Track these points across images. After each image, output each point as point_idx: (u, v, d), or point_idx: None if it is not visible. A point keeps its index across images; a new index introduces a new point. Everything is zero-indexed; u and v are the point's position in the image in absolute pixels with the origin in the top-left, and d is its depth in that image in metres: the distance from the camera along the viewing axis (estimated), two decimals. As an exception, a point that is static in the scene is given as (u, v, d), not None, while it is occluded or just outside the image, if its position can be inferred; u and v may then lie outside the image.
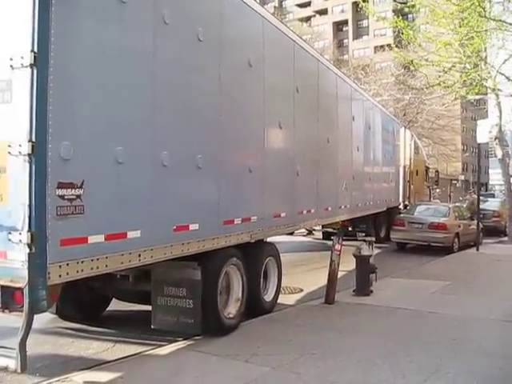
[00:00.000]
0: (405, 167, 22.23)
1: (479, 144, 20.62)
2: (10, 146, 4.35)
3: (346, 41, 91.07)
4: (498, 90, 20.46)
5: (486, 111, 27.42)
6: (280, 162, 9.10)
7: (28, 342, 5.45)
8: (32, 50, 4.27)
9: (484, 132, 19.48)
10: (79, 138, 4.70)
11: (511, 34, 18.09)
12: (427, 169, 26.93)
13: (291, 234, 11.87)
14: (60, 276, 4.54)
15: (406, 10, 23.60)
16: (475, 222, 19.08)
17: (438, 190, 33.82)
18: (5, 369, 4.50)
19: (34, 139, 4.27)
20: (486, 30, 18.26)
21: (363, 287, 9.90)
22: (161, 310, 6.88)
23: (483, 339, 7.27)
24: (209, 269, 6.84)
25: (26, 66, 4.29)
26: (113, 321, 8.19)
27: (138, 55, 5.52)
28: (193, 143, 6.47)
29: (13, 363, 4.41)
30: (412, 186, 22.90)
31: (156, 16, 5.74)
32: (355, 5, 75.68)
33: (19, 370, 4.39)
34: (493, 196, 39.36)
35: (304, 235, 20.14)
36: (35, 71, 4.29)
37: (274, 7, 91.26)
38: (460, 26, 18.67)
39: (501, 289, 11.12)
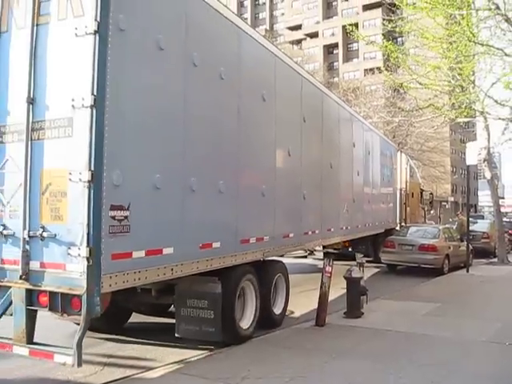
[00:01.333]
0: (401, 190, 22.89)
1: (468, 166, 20.81)
2: (70, 173, 5.13)
3: (336, 63, 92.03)
4: (487, 113, 20.69)
5: (475, 134, 27.61)
6: (289, 187, 9.92)
7: (15, 365, 6.37)
8: (92, 93, 5.06)
9: (473, 154, 19.79)
10: (127, 166, 5.48)
11: (499, 58, 18.22)
12: (422, 191, 27.60)
13: (281, 256, 11.83)
14: (110, 285, 5.29)
15: (396, 33, 23.84)
16: (465, 243, 19.19)
17: (432, 212, 34.39)
18: (63, 364, 5.23)
19: (92, 168, 5.05)
20: (474, 55, 18.44)
21: (354, 309, 9.83)
22: (184, 320, 7.58)
23: (474, 361, 7.33)
24: (228, 283, 7.59)
25: (87, 107, 5.08)
26: (133, 332, 8.82)
27: (172, 94, 6.35)
28: (216, 170, 7.28)
29: (70, 360, 5.14)
30: (408, 208, 23.54)
31: (187, 59, 6.58)
32: (345, 28, 76.46)
33: (76, 366, 5.13)
34: (482, 217, 39.07)
35: (305, 256, 20.70)
36: (94, 111, 5.08)
37: (265, 30, 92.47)
38: (449, 50, 18.84)
39: (491, 310, 11.20)
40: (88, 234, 5.04)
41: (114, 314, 8.48)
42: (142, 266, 5.73)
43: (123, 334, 8.62)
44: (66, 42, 5.34)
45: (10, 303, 5.55)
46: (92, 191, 5.06)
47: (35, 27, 5.51)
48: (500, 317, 10.34)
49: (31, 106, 5.46)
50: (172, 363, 7.03)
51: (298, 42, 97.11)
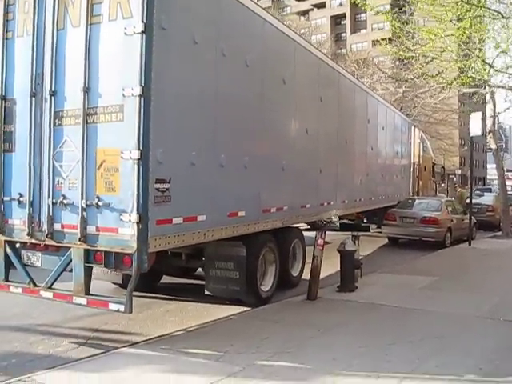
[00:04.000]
0: (414, 164, 23.55)
1: (472, 137, 20.43)
2: (122, 152, 6.07)
3: (343, 34, 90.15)
4: (489, 81, 20.00)
5: (484, 105, 25.95)
6: (306, 162, 10.83)
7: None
8: (140, 84, 5.97)
9: (477, 125, 19.27)
10: (168, 146, 6.41)
11: (502, 25, 17.27)
12: (434, 165, 28.17)
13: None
14: (155, 246, 6.27)
15: (403, 1, 22.39)
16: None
17: (442, 185, 34.77)
18: (117, 311, 6.26)
19: (141, 148, 5.98)
20: (470, 17, 17.26)
21: (347, 283, 9.72)
22: (212, 280, 8.61)
23: (466, 337, 7.17)
24: (252, 247, 8.58)
25: (136, 96, 5.98)
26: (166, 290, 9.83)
27: (205, 82, 7.29)
28: (242, 147, 8.24)
29: (123, 308, 6.17)
30: (420, 182, 24.30)
31: (217, 50, 7.47)
32: (353, -1, 74.08)
33: (128, 313, 6.18)
34: (490, 190, 38.41)
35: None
36: (142, 99, 6.00)
37: (272, 1, 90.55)
38: (447, 12, 17.81)
39: (489, 284, 11.01)
40: (137, 203, 5.98)
41: (148, 276, 9.52)
42: (180, 230, 6.70)
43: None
44: (116, 40, 6.21)
45: (70, 261, 6.56)
46: (141, 167, 5.98)
47: (88, 26, 6.39)
48: (498, 291, 10.25)
49: (86, 94, 6.37)
50: (156, 337, 7.07)
51: (305, 12, 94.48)
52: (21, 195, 6.83)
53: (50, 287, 6.76)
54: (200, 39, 6.99)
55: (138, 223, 5.99)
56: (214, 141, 7.45)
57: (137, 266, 6.03)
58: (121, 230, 6.14)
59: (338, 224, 20.09)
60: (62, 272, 6.70)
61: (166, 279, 10.19)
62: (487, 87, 20.80)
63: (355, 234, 10.62)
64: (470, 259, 15.33)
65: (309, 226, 17.93)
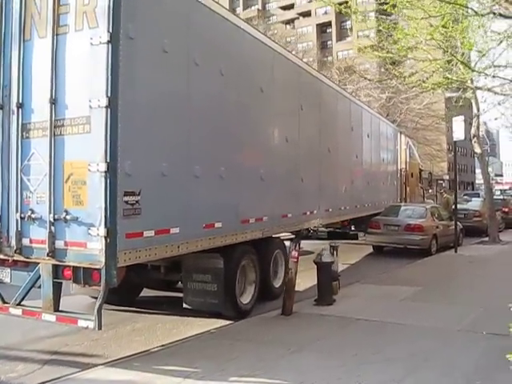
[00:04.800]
0: (401, 170, 23.52)
1: (455, 142, 20.01)
2: (89, 164, 5.93)
3: (329, 42, 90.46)
4: (470, 84, 19.37)
5: (468, 108, 25.57)
6: (287, 171, 10.71)
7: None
8: (107, 96, 5.85)
9: (460, 129, 18.86)
10: (138, 158, 6.27)
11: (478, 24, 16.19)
12: (421, 171, 28.16)
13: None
14: (125, 260, 6.12)
15: (387, 10, 22.00)
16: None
17: (430, 191, 34.68)
18: (86, 328, 6.10)
19: (108, 160, 5.84)
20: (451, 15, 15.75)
21: (325, 296, 9.35)
22: (190, 293, 8.47)
23: (446, 354, 6.72)
24: (230, 259, 8.44)
25: (102, 107, 5.86)
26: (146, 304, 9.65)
27: (177, 92, 7.14)
28: (218, 158, 8.09)
29: (92, 324, 6.01)
30: (408, 188, 24.27)
31: (189, 59, 7.35)
32: (339, 6, 73.59)
33: (97, 329, 6.01)
34: (478, 195, 37.94)
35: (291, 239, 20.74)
36: (109, 110, 5.87)
37: (258, 10, 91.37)
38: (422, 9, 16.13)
39: (474, 294, 10.65)
40: (105, 216, 5.83)
41: (127, 289, 9.35)
42: (152, 243, 6.55)
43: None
44: (83, 50, 6.08)
45: (39, 277, 6.40)
46: (108, 180, 5.84)
47: (55, 36, 6.26)
48: (482, 301, 9.80)
49: (53, 105, 6.23)
50: (117, 360, 6.68)
51: (291, 21, 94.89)
52: (-12, 210, 6.66)
53: (18, 304, 6.59)
54: (170, 48, 6.87)
55: (106, 237, 5.85)
56: (188, 151, 7.32)
57: (105, 282, 5.88)
58: (89, 245, 5.99)
59: (325, 232, 19.94)
60: (30, 288, 6.54)
61: (146, 292, 10.04)
62: (469, 90, 20.53)
63: (333, 244, 10.34)
64: (456, 267, 15.06)
65: (293, 236, 17.79)
